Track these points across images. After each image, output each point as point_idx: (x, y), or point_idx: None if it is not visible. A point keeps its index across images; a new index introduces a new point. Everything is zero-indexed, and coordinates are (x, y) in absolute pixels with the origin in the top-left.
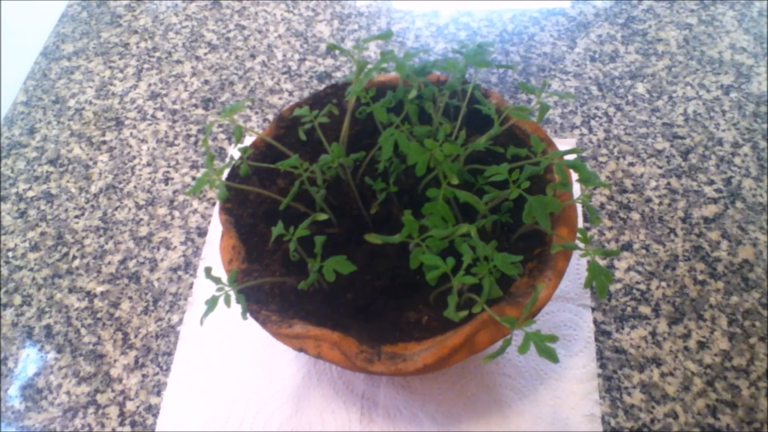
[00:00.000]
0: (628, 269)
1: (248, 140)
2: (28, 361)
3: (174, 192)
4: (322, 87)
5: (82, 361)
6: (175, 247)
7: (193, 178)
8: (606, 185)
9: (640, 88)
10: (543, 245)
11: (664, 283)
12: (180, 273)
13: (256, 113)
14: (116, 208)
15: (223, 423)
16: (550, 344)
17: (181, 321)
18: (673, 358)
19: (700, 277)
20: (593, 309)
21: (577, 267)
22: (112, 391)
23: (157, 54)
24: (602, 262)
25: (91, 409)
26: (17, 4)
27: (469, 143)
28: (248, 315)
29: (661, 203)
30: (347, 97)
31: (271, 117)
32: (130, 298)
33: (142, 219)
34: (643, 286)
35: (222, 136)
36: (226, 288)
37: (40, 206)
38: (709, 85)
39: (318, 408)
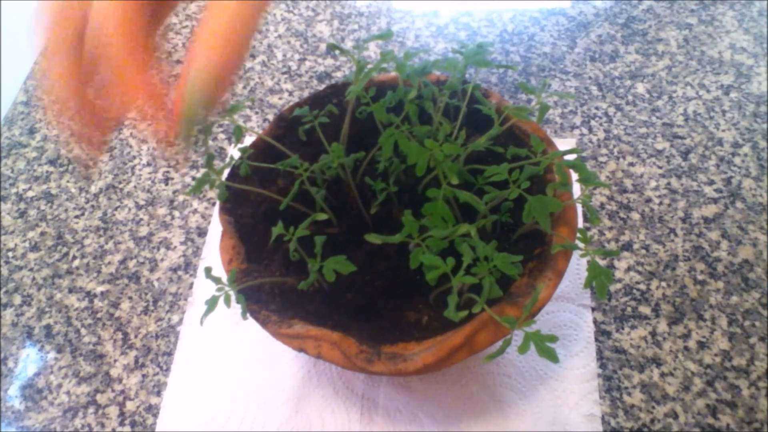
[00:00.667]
0: (628, 269)
1: (248, 140)
2: (28, 361)
3: (174, 192)
4: (322, 87)
5: (82, 361)
6: (175, 247)
7: (193, 178)
8: (606, 185)
9: (640, 88)
10: (543, 245)
11: (664, 283)
12: (180, 273)
13: (256, 113)
14: (116, 208)
15: (223, 423)
16: (550, 344)
17: (181, 321)
18: (673, 358)
19: (700, 277)
20: (593, 309)
21: (577, 267)
22: (112, 391)
23: (157, 54)
24: (602, 262)
25: (91, 409)
26: (17, 4)
27: (469, 143)
28: (248, 315)
29: (661, 203)
30: (347, 97)
31: (271, 117)
32: (130, 298)
33: (142, 219)
34: (643, 286)
35: (222, 136)
36: (226, 288)
37: (40, 206)
38: (709, 85)
39: (318, 408)
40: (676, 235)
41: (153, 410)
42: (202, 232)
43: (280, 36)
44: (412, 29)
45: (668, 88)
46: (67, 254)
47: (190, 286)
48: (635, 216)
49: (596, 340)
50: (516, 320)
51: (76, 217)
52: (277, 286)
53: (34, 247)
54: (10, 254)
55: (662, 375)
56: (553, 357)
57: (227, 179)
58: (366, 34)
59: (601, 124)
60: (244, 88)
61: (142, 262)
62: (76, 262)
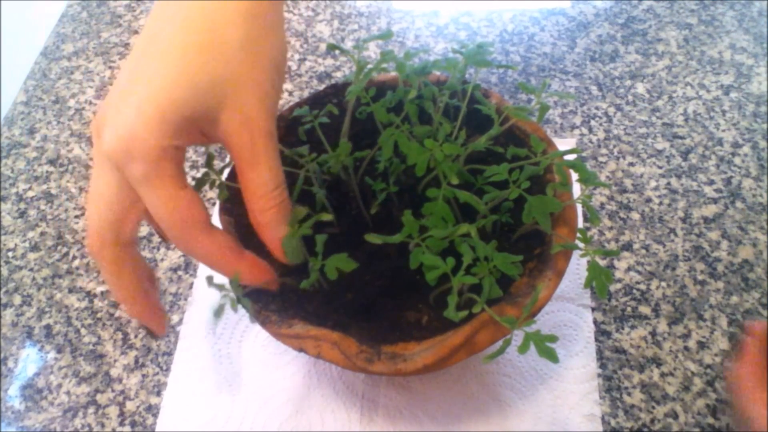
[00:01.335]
0: (628, 269)
1: None
2: (28, 361)
3: None
4: (322, 87)
5: (82, 361)
6: (175, 247)
7: (194, 179)
8: (606, 185)
9: (640, 88)
10: (543, 245)
11: (664, 283)
12: (180, 273)
13: None
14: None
15: (223, 423)
16: (550, 344)
17: (181, 321)
18: (673, 358)
19: (700, 277)
20: (593, 309)
21: (577, 267)
22: (112, 391)
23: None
24: (602, 262)
25: (91, 409)
26: (17, 4)
27: (469, 143)
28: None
29: (661, 203)
30: (347, 97)
31: None
32: None
33: None
34: (643, 286)
35: None
36: (230, 295)
37: (40, 206)
38: (709, 85)
39: (318, 408)
40: (676, 235)
41: (153, 410)
42: None
43: None
44: (412, 29)
45: (668, 88)
46: (67, 254)
47: (190, 286)
48: (635, 216)
49: (596, 340)
50: (516, 320)
51: (76, 217)
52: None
53: (34, 247)
54: (10, 254)
55: (662, 375)
56: (553, 357)
57: (227, 179)
58: (366, 34)
59: (601, 124)
60: None
61: None
62: (76, 262)
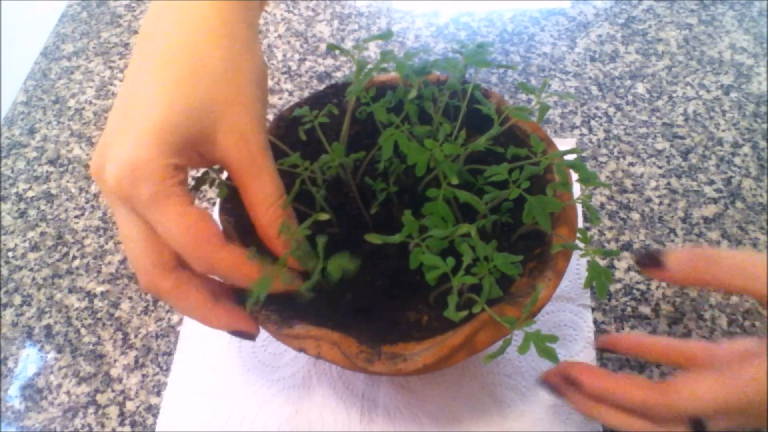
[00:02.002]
0: (628, 269)
1: None
2: (28, 361)
3: None
4: (322, 87)
5: (82, 361)
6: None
7: (193, 178)
8: (606, 185)
9: (640, 88)
10: (543, 245)
11: (664, 283)
12: None
13: None
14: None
15: (223, 423)
16: (550, 344)
17: (181, 321)
18: None
19: None
20: (593, 309)
21: (577, 267)
22: (112, 391)
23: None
24: (602, 262)
25: (91, 409)
26: (17, 4)
27: (469, 143)
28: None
29: (661, 203)
30: (347, 97)
31: (271, 117)
32: (130, 298)
33: None
34: (643, 286)
35: None
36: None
37: (40, 206)
38: (709, 85)
39: (318, 408)
40: (676, 235)
41: (153, 410)
42: None
43: (280, 36)
44: (412, 29)
45: (668, 88)
46: (67, 254)
47: None
48: (635, 216)
49: (596, 340)
50: (516, 320)
51: (76, 217)
52: None
53: (34, 247)
54: (10, 254)
55: (662, 375)
56: (553, 357)
57: (227, 178)
58: (366, 34)
59: (601, 124)
60: None
61: None
62: (76, 262)
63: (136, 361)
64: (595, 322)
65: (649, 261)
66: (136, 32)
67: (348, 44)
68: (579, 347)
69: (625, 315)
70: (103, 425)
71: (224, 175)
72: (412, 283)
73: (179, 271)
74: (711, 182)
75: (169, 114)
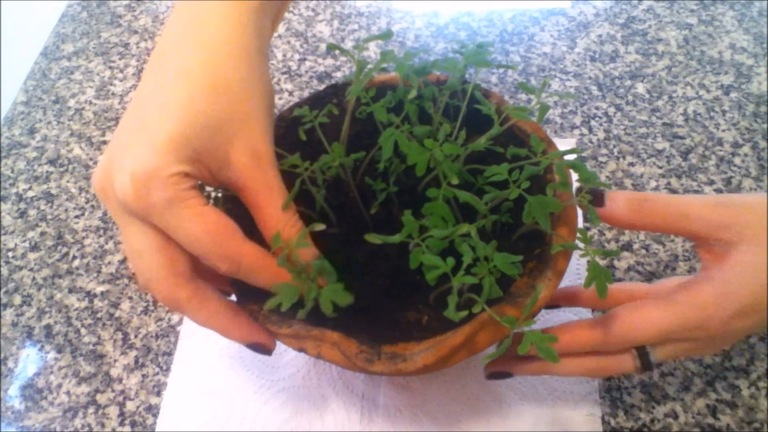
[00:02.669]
0: (628, 269)
1: None
2: (28, 361)
3: None
4: (322, 87)
5: (82, 361)
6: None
7: None
8: (606, 185)
9: (640, 88)
10: (543, 245)
11: None
12: None
13: None
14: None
15: (223, 423)
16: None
17: (181, 321)
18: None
19: None
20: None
21: (577, 267)
22: (112, 391)
23: None
24: (602, 262)
25: (91, 409)
26: (17, 4)
27: (469, 143)
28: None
29: None
30: (347, 97)
31: None
32: (130, 298)
33: None
34: None
35: None
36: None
37: (40, 206)
38: (709, 85)
39: (318, 408)
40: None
41: (153, 410)
42: None
43: (280, 36)
44: (412, 29)
45: (668, 88)
46: (67, 254)
47: None
48: None
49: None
50: (516, 320)
51: (76, 217)
52: None
53: (34, 247)
54: (10, 254)
55: (662, 375)
56: (553, 357)
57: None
58: (366, 34)
59: (601, 124)
60: None
61: None
62: (76, 262)
63: (136, 361)
64: None
65: (596, 199)
66: (136, 32)
67: (348, 44)
68: None
69: None
70: (103, 425)
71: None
72: (412, 283)
73: (198, 281)
74: (711, 182)
75: (186, 127)
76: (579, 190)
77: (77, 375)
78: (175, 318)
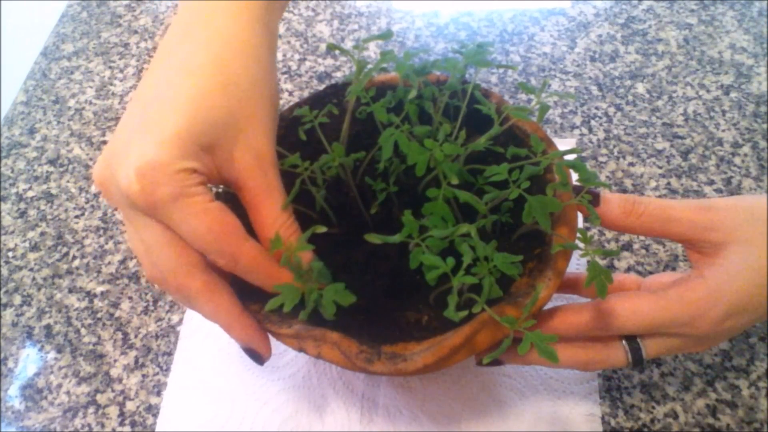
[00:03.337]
0: (628, 269)
1: None
2: (28, 361)
3: None
4: (322, 87)
5: (82, 361)
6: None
7: None
8: (606, 185)
9: (640, 88)
10: (543, 245)
11: None
12: None
13: None
14: (116, 209)
15: (223, 423)
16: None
17: (181, 321)
18: (673, 358)
19: None
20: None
21: (577, 267)
22: (112, 391)
23: None
24: (602, 262)
25: (91, 409)
26: (17, 4)
27: (469, 143)
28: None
29: None
30: (347, 97)
31: None
32: (130, 298)
33: None
34: None
35: None
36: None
37: (40, 206)
38: (709, 85)
39: (318, 408)
40: None
41: (153, 410)
42: None
43: (280, 36)
44: (412, 29)
45: (668, 88)
46: (67, 254)
47: None
48: None
49: None
50: (516, 320)
51: (76, 217)
52: None
53: (34, 247)
54: (10, 254)
55: (662, 375)
56: (553, 357)
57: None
58: (366, 34)
59: (601, 124)
60: None
61: None
62: (76, 262)
63: (136, 361)
64: None
65: (593, 197)
66: (136, 32)
67: (348, 44)
68: None
69: None
70: (103, 425)
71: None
72: (412, 283)
73: (211, 273)
74: (711, 182)
75: (192, 123)
76: (577, 189)
77: (77, 375)
78: (175, 318)
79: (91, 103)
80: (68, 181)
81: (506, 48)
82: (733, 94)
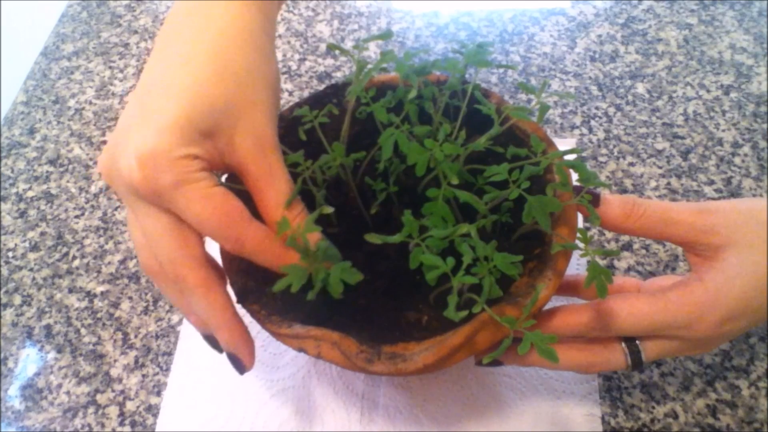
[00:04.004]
0: (628, 269)
1: None
2: (28, 361)
3: None
4: (322, 87)
5: (82, 361)
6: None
7: None
8: (606, 185)
9: (640, 88)
10: (543, 245)
11: None
12: None
13: None
14: (116, 208)
15: (223, 423)
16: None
17: (181, 321)
18: (672, 358)
19: None
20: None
21: (577, 267)
22: (112, 391)
23: None
24: (602, 262)
25: (91, 409)
26: (17, 4)
27: (469, 143)
28: (249, 316)
29: None
30: (347, 97)
31: None
32: (130, 298)
33: None
34: None
35: None
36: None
37: (40, 206)
38: (709, 85)
39: (318, 408)
40: None
41: (153, 410)
42: None
43: (280, 36)
44: (412, 29)
45: (668, 88)
46: (67, 254)
47: None
48: None
49: None
50: (516, 320)
51: (76, 217)
52: None
53: (34, 247)
54: (10, 254)
55: (662, 375)
56: (552, 357)
57: (227, 180)
58: (366, 34)
59: (601, 124)
60: None
61: None
62: (76, 262)
63: (136, 361)
64: None
65: (593, 198)
66: (136, 32)
67: (348, 44)
68: None
69: None
70: (103, 425)
71: (224, 176)
72: (412, 283)
73: (209, 269)
74: (711, 182)
75: (191, 110)
76: (577, 189)
77: (77, 375)
78: (175, 318)
79: (91, 103)
80: (68, 181)
81: (506, 48)
82: (733, 94)
